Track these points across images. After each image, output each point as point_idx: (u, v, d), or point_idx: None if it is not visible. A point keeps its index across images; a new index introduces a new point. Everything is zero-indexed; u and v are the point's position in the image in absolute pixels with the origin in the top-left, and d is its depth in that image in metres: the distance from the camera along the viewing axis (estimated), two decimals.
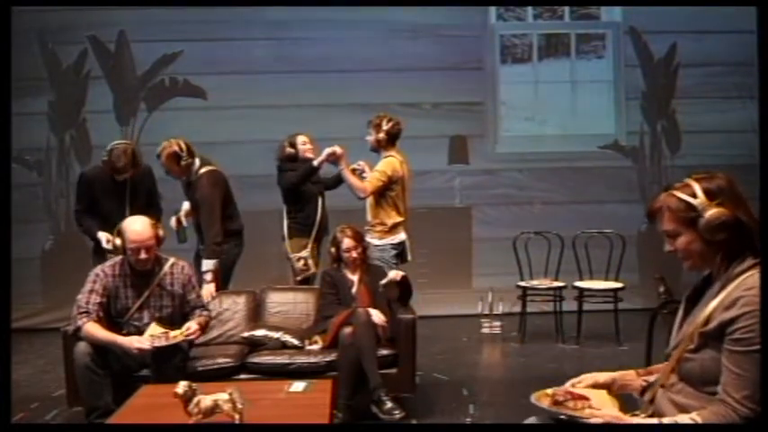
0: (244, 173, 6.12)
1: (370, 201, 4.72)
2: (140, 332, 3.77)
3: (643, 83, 7.22)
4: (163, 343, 3.67)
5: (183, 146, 4.69)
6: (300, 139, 5.17)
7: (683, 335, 2.00)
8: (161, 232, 3.93)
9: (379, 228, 4.70)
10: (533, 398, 2.11)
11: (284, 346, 4.25)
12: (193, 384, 2.69)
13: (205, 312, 4.07)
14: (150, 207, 4.71)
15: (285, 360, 4.10)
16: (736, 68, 6.95)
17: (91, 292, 3.80)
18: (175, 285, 3.96)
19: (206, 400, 2.66)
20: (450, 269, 6.94)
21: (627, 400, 2.16)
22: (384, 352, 4.13)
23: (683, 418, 1.88)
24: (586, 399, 2.04)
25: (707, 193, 1.93)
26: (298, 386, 3.27)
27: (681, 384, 1.98)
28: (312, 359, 4.11)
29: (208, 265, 4.60)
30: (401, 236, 4.77)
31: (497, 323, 6.13)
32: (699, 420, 1.85)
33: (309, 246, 5.09)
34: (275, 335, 4.29)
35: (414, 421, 4.09)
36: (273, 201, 5.28)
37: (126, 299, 3.89)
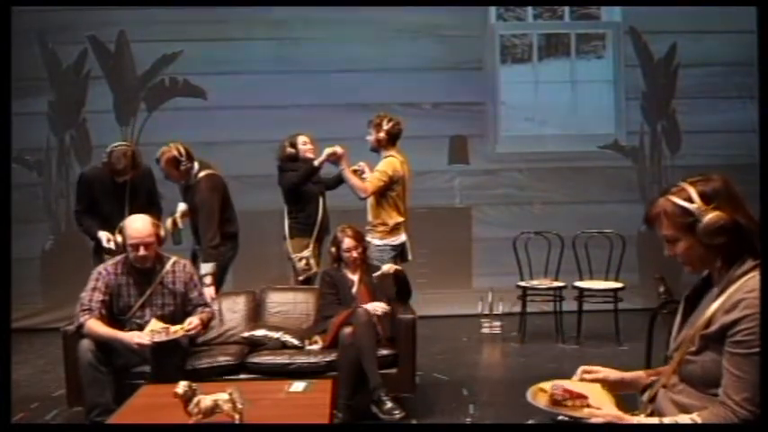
0: (244, 173, 6.14)
1: (370, 201, 4.72)
2: (142, 330, 3.80)
3: (643, 83, 7.22)
4: (163, 338, 3.69)
5: (183, 150, 4.71)
6: (301, 139, 5.18)
7: (684, 337, 1.99)
8: (162, 232, 3.99)
9: (380, 228, 4.71)
10: (529, 393, 2.10)
11: (284, 346, 4.25)
12: (193, 384, 2.70)
13: (208, 309, 4.11)
14: (151, 207, 4.71)
15: (285, 360, 4.10)
16: (736, 68, 6.95)
17: (94, 289, 3.86)
18: (177, 284, 4.00)
19: (206, 400, 2.66)
20: (450, 269, 6.94)
21: (624, 399, 2.15)
22: (384, 352, 4.13)
23: (684, 419, 1.88)
24: (584, 397, 2.03)
25: (703, 196, 1.92)
26: (298, 386, 3.27)
27: (682, 385, 1.98)
28: (312, 359, 4.11)
29: (206, 268, 4.62)
30: (401, 237, 4.77)
31: (497, 323, 6.14)
32: (699, 421, 1.85)
33: (311, 245, 5.10)
34: (275, 335, 4.29)
35: (414, 421, 4.09)
36: (273, 201, 5.29)
37: (128, 297, 3.93)
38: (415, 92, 6.92)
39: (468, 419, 4.20)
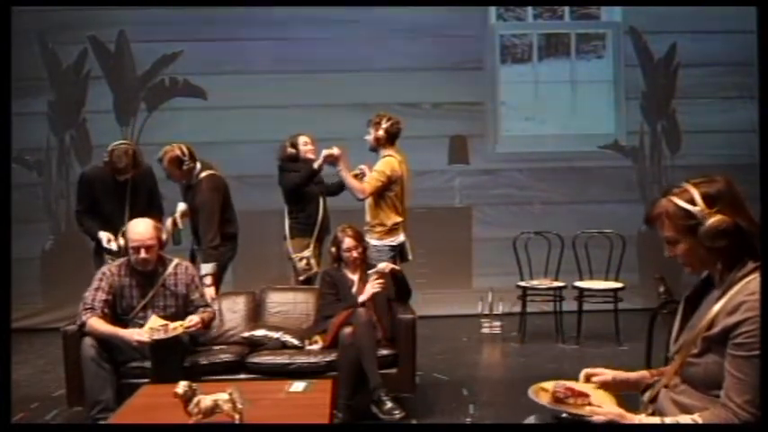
0: (244, 173, 6.14)
1: (369, 201, 4.72)
2: None
3: (643, 83, 7.22)
4: (161, 335, 3.72)
5: (186, 150, 4.73)
6: (302, 139, 5.18)
7: (687, 339, 1.99)
8: (164, 235, 4.05)
9: (378, 228, 4.70)
10: (531, 392, 2.10)
11: (284, 346, 4.25)
12: (193, 384, 2.70)
13: (209, 309, 4.14)
14: (151, 207, 4.72)
15: (285, 360, 4.10)
16: (736, 68, 6.95)
17: (97, 289, 3.93)
18: (179, 285, 4.06)
19: (206, 400, 2.66)
20: (450, 269, 6.94)
21: (625, 399, 2.15)
22: (384, 352, 4.13)
23: (685, 419, 1.88)
24: (586, 396, 2.03)
25: (706, 198, 1.91)
26: (298, 386, 3.28)
27: (684, 386, 1.98)
28: (312, 359, 4.11)
29: (206, 268, 4.63)
30: (400, 237, 4.77)
31: (497, 323, 6.13)
32: (700, 422, 1.85)
33: (311, 245, 5.10)
34: (275, 335, 4.30)
35: (414, 421, 4.09)
36: (274, 201, 5.29)
37: (131, 298, 3.99)
38: (415, 92, 6.92)
39: (468, 419, 4.20)
